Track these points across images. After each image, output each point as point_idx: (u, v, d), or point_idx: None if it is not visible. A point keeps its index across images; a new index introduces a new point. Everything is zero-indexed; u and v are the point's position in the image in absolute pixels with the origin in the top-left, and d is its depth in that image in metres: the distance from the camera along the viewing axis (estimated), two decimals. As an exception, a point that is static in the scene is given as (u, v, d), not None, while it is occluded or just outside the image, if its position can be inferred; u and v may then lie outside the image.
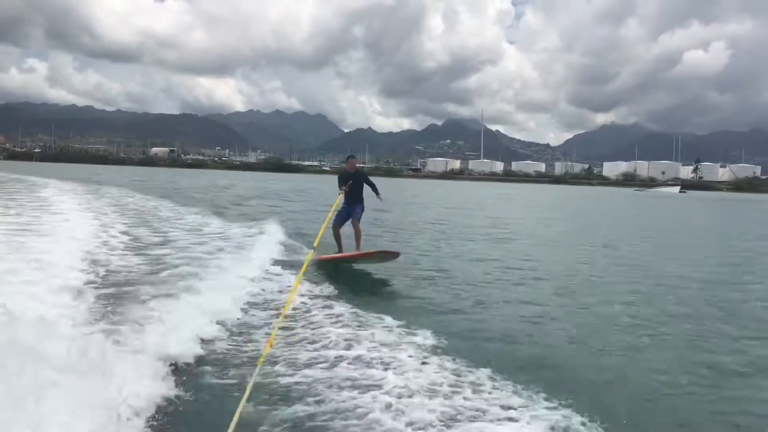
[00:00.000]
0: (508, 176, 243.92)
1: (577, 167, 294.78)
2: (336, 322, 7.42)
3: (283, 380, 5.26)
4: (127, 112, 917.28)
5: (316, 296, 8.98)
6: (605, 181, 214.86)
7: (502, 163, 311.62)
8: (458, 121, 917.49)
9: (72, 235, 14.25)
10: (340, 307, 8.20)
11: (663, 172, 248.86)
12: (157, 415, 4.63)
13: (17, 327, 4.70)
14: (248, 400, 4.36)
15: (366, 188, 13.40)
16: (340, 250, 13.03)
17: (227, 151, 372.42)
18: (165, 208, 25.45)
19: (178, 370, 5.60)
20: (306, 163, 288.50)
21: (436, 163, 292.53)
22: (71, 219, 18.02)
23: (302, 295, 8.79)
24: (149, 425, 4.50)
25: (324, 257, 12.79)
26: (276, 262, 12.24)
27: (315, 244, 9.95)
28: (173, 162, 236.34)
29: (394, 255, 12.46)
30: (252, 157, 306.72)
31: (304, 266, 8.63)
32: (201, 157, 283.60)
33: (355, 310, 8.08)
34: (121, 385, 4.65)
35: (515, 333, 7.87)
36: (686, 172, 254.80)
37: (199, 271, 10.32)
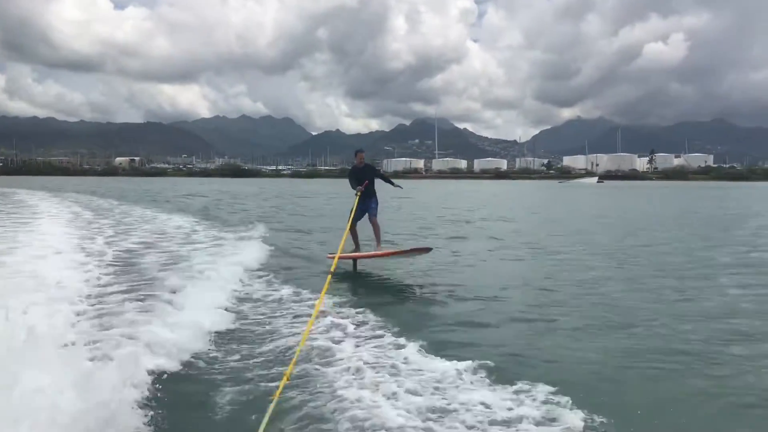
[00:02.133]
0: (454, 173, 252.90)
1: (537, 163, 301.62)
2: (359, 344, 6.74)
3: (303, 407, 4.92)
4: (90, 122, 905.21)
5: (337, 320, 7.80)
6: (547, 175, 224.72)
7: (465, 161, 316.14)
8: (426, 120, 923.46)
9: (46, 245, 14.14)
10: (364, 331, 7.28)
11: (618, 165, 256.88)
12: None
13: None
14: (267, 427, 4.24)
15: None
16: (357, 248, 12.54)
17: (193, 158, 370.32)
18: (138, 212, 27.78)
19: (182, 401, 5.26)
20: (264, 167, 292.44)
21: (400, 163, 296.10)
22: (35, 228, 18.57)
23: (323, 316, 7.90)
24: None
25: (343, 256, 11.65)
26: (281, 279, 11.06)
27: (332, 269, 8.98)
28: (134, 171, 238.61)
29: (425, 251, 11.83)
30: (218, 164, 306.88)
31: (323, 292, 7.81)
32: (161, 166, 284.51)
33: (380, 334, 7.17)
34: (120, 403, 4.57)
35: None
36: (642, 163, 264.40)
37: (186, 283, 9.71)
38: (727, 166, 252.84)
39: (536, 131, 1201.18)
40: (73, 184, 75.03)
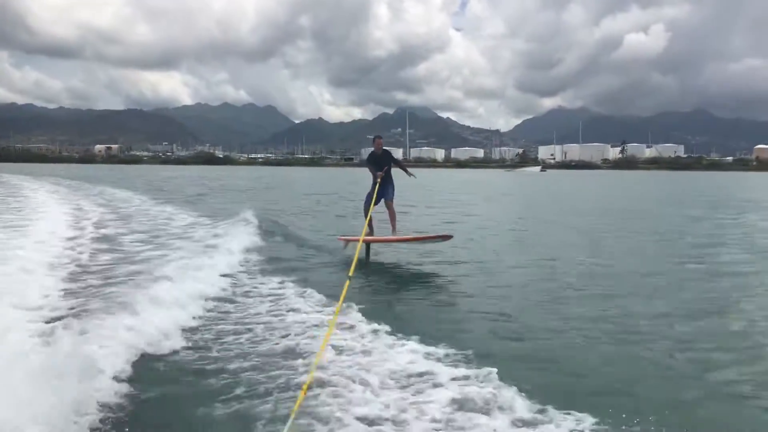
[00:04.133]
0: (418, 162, 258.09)
1: (513, 153, 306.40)
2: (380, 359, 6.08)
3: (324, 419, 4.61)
4: (70, 109, 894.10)
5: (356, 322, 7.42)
6: (503, 165, 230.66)
7: (443, 150, 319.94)
8: (409, 109, 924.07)
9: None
10: (384, 340, 6.71)
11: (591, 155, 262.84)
12: None
13: None
14: None
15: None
16: (371, 232, 12.37)
17: (174, 146, 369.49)
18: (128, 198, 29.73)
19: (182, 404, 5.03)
20: (242, 155, 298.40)
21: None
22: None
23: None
24: None
25: (355, 238, 11.80)
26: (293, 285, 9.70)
27: (350, 272, 8.21)
28: (110, 159, 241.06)
29: (445, 238, 11.82)
30: (191, 152, 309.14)
31: (341, 298, 7.15)
32: (138, 154, 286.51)
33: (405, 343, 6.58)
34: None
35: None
36: (615, 153, 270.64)
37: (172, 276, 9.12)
38: (695, 156, 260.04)
39: (518, 121, 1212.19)
40: (40, 172, 76.23)
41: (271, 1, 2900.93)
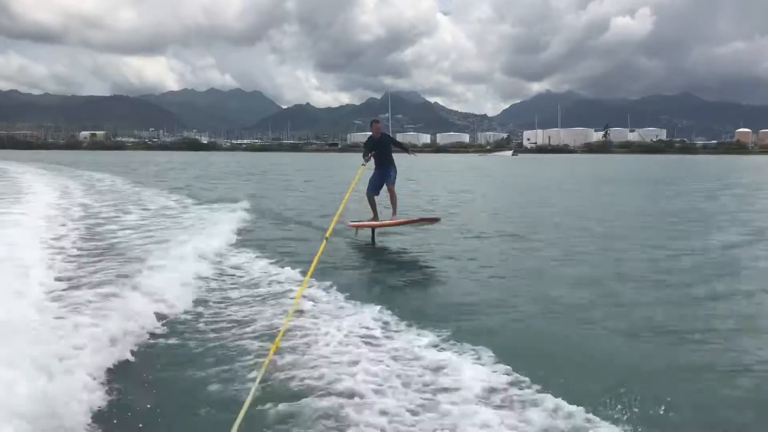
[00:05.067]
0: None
1: (498, 137, 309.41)
2: (345, 321, 6.29)
3: (290, 384, 4.69)
4: (55, 95, 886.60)
5: (326, 289, 7.66)
6: (480, 149, 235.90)
7: (429, 135, 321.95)
8: (397, 94, 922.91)
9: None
10: (355, 306, 6.88)
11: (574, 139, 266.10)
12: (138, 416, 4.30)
13: None
14: (252, 404, 4.06)
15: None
16: (375, 217, 12.62)
17: (161, 132, 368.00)
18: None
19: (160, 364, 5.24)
20: (228, 141, 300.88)
21: (365, 137, 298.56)
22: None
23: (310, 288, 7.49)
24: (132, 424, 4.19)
25: (362, 224, 12.62)
26: (263, 251, 10.61)
27: (327, 234, 8.50)
28: (95, 145, 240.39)
29: (433, 221, 12.41)
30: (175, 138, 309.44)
31: (316, 258, 7.40)
32: (122, 140, 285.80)
33: (373, 308, 6.77)
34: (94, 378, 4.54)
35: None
36: (599, 136, 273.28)
37: (158, 253, 9.65)
38: (677, 140, 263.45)
39: (506, 105, 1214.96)
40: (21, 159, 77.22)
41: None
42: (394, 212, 12.48)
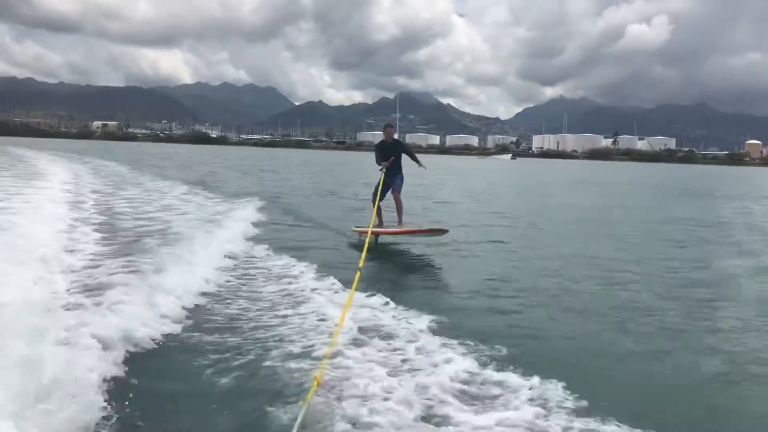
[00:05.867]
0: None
1: (508, 140, 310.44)
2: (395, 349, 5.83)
3: (335, 417, 4.37)
4: (70, 84, 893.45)
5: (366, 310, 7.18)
6: (484, 152, 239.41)
7: (438, 137, 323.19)
8: (410, 94, 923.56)
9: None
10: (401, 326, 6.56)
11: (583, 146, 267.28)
12: None
13: None
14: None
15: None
16: (380, 224, 12.39)
17: (173, 124, 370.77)
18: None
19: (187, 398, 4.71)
20: (240, 136, 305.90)
21: (378, 137, 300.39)
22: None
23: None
24: None
25: (366, 230, 11.70)
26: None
27: (360, 264, 8.09)
28: (106, 135, 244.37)
29: (441, 232, 11.81)
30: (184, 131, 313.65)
31: (353, 290, 7.08)
32: (133, 131, 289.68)
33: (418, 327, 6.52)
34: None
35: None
36: (608, 143, 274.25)
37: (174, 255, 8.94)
38: (686, 149, 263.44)
39: (519, 109, 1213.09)
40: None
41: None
42: (400, 221, 12.25)
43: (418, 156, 12.93)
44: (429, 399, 4.69)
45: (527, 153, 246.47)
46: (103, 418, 4.06)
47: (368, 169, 51.49)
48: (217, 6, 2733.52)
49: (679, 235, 15.69)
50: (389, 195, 12.66)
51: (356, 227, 13.12)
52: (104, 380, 4.48)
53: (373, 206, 12.27)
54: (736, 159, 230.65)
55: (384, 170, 12.26)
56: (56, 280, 7.41)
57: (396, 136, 12.90)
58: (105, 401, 4.22)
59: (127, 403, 4.33)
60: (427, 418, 4.42)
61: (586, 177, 59.92)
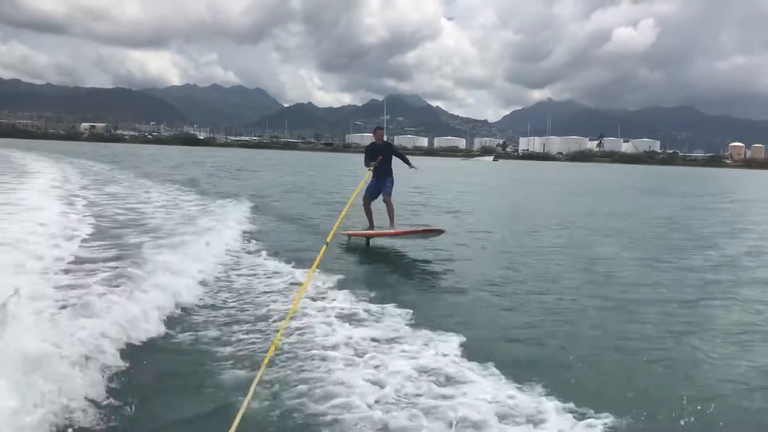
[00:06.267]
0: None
1: (495, 143, 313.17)
2: (347, 320, 6.44)
3: (288, 383, 4.69)
4: (57, 86, 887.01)
5: (327, 290, 7.84)
6: (469, 154, 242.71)
7: (426, 139, 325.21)
8: (399, 96, 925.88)
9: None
10: (353, 304, 7.14)
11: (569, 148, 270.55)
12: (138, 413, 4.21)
13: None
14: (251, 402, 4.04)
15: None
16: (371, 226, 12.43)
17: (162, 126, 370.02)
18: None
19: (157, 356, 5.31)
20: (229, 138, 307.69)
21: (364, 138, 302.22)
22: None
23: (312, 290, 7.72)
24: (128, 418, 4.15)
25: (355, 233, 12.34)
26: (270, 253, 10.45)
27: (328, 239, 8.48)
28: (93, 137, 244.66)
29: (437, 232, 11.60)
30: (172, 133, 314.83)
31: (316, 262, 7.41)
32: (120, 133, 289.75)
33: (369, 307, 7.02)
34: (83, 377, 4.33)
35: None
36: (593, 145, 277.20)
37: (165, 251, 9.21)
38: (670, 151, 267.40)
39: (507, 111, 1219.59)
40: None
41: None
42: (392, 223, 12.16)
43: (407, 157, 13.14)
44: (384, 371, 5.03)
45: (510, 155, 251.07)
46: (93, 417, 4.11)
47: (346, 170, 53.51)
48: (205, 8, 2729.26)
49: (554, 223, 17.62)
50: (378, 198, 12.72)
51: (344, 231, 12.72)
52: (94, 380, 4.54)
53: (365, 211, 12.57)
54: (715, 161, 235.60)
55: (371, 169, 12.26)
56: (43, 280, 7.47)
57: (385, 138, 12.98)
58: (94, 402, 4.27)
59: (114, 401, 4.39)
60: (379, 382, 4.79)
61: (550, 177, 62.39)
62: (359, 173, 13.12)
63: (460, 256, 11.35)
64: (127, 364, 5.00)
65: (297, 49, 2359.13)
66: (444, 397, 4.58)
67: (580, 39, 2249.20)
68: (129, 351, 5.29)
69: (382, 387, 4.72)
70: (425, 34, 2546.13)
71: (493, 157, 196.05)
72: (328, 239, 8.67)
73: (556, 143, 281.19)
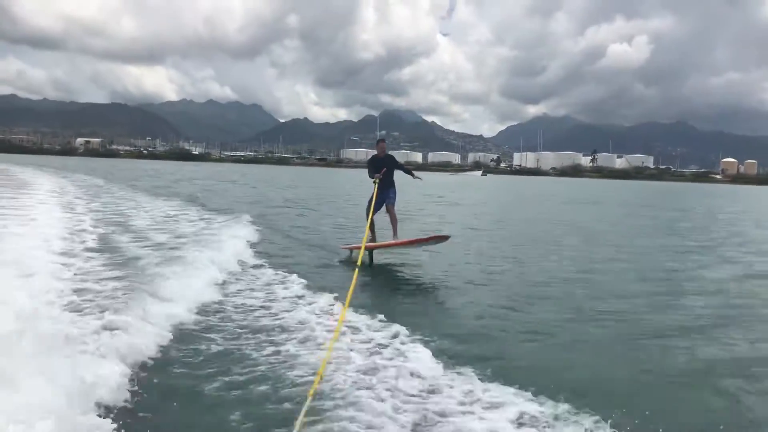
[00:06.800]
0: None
1: (488, 158, 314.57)
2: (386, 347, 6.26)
3: (335, 415, 4.56)
4: (53, 101, 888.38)
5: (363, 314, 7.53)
6: (460, 169, 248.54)
7: (421, 154, 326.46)
8: (395, 112, 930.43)
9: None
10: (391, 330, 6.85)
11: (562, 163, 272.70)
12: None
13: None
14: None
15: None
16: (373, 239, 12.28)
17: (157, 141, 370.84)
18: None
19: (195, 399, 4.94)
20: (223, 153, 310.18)
21: (358, 153, 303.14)
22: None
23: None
24: None
25: (357, 246, 11.71)
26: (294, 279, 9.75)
27: (359, 262, 8.37)
28: (89, 152, 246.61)
29: (442, 239, 11.73)
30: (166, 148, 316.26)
31: (351, 289, 7.14)
32: (115, 148, 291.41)
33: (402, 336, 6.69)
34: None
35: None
36: (587, 161, 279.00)
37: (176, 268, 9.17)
38: (662, 167, 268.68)
39: (503, 127, 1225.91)
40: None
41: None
42: (395, 233, 12.26)
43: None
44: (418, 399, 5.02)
45: (499, 170, 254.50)
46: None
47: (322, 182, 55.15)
48: (202, 24, 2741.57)
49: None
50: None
51: (344, 245, 12.78)
52: (106, 391, 4.56)
53: (367, 222, 12.11)
54: (701, 176, 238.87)
55: (376, 182, 12.31)
56: (50, 296, 7.38)
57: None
58: (105, 414, 4.29)
59: (130, 411, 4.47)
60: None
61: (519, 190, 65.07)
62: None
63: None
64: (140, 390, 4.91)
65: (293, 65, 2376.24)
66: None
67: (575, 55, 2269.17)
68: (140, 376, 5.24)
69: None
70: (421, 50, 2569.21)
71: (481, 172, 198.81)
72: (359, 262, 8.68)
73: (550, 158, 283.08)
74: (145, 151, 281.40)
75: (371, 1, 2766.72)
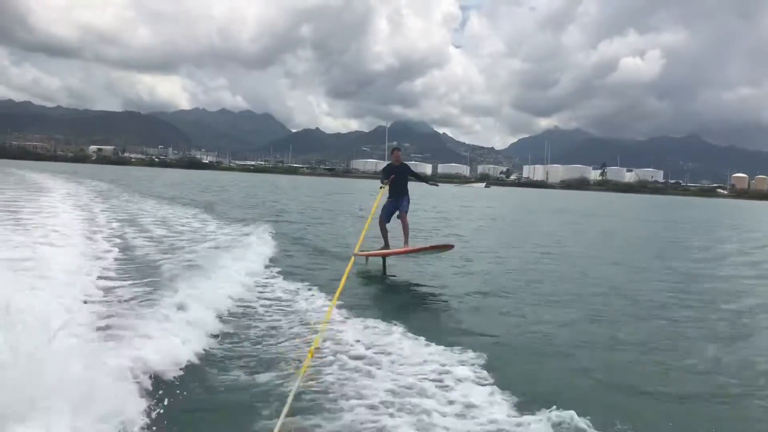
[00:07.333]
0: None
1: (498, 170, 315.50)
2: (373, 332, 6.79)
3: (324, 395, 4.89)
4: (67, 108, 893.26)
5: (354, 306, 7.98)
6: (465, 181, 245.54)
7: (431, 165, 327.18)
8: (406, 123, 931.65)
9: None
10: (379, 319, 7.27)
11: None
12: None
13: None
14: (288, 414, 4.19)
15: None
16: (386, 246, 12.60)
17: (170, 149, 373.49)
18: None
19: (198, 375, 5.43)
20: (234, 162, 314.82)
21: (366, 164, 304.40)
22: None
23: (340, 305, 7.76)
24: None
25: (371, 253, 12.53)
26: (284, 269, 10.98)
27: (356, 251, 8.49)
28: (100, 159, 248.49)
29: (446, 248, 12.09)
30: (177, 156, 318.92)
31: (345, 274, 7.61)
32: (127, 156, 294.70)
33: (394, 324, 7.16)
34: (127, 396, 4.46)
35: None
36: (596, 174, 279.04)
37: (200, 272, 9.46)
38: (672, 182, 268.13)
39: (514, 139, 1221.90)
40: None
41: (272, 9, 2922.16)
42: (406, 241, 12.41)
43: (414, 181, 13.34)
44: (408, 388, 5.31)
45: (505, 182, 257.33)
46: None
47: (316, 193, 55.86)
48: (216, 33, 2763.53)
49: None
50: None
51: (361, 252, 12.62)
52: (126, 403, 4.53)
53: (381, 231, 12.77)
54: (707, 191, 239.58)
55: (383, 187, 12.65)
56: (71, 307, 7.28)
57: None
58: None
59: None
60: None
61: (517, 202, 66.81)
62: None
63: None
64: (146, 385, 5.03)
65: (306, 75, 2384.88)
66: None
67: (587, 68, 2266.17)
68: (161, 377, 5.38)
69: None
70: (433, 62, 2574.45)
71: (485, 184, 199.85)
72: (356, 250, 9.36)
73: (560, 171, 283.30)
74: (156, 159, 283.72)
75: (384, 13, 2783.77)
